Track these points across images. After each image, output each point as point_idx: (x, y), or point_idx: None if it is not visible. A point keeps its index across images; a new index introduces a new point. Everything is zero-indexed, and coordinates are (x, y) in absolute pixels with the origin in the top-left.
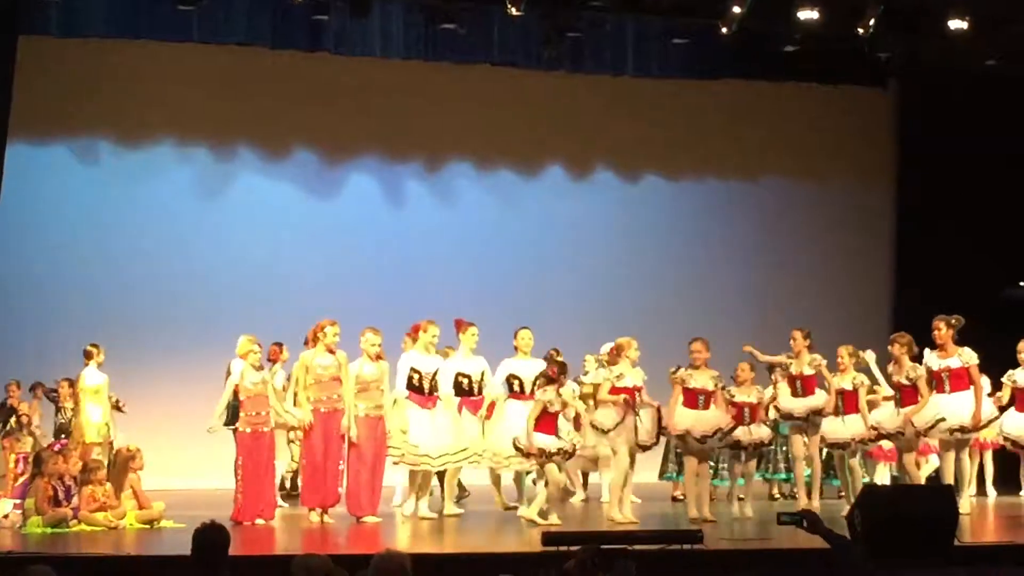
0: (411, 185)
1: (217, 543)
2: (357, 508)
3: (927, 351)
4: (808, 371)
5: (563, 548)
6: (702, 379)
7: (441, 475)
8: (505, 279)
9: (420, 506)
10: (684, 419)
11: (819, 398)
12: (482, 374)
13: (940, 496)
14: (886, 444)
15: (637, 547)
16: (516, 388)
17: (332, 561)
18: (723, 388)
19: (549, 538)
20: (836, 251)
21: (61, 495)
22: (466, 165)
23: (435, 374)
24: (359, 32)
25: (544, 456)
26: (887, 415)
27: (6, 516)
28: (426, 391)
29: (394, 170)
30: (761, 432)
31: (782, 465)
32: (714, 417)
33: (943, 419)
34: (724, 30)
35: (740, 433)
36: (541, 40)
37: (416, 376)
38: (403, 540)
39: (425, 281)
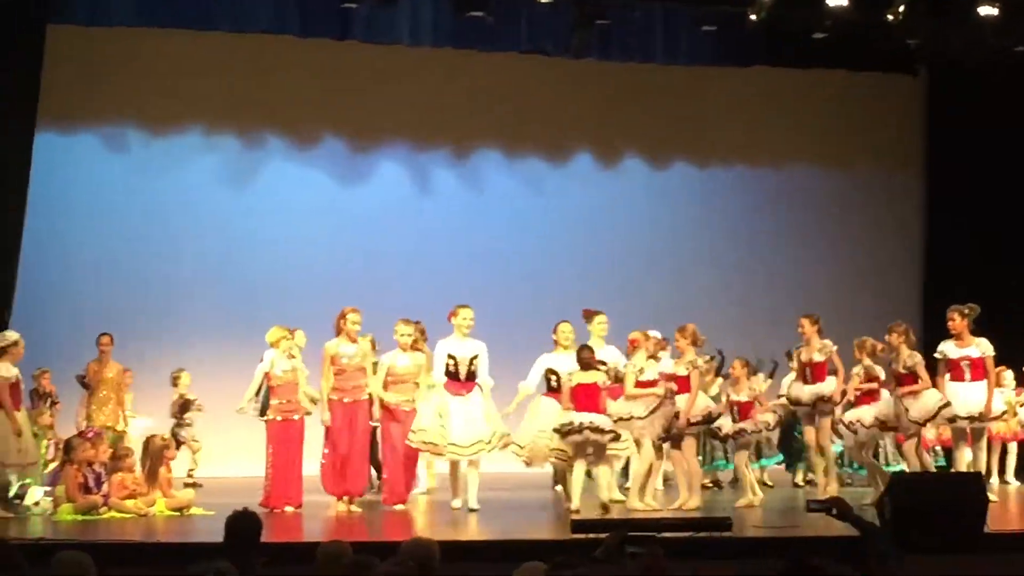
0: (439, 173)
1: (249, 530)
2: (393, 497)
3: (944, 341)
4: (818, 357)
5: (593, 535)
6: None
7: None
8: (533, 267)
9: (462, 499)
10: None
11: (828, 385)
12: (472, 359)
13: (970, 484)
14: (927, 432)
15: (666, 534)
16: (553, 384)
17: (361, 549)
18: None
19: (579, 525)
20: (864, 238)
21: (91, 482)
22: (494, 153)
23: (472, 359)
24: (388, 20)
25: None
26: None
27: (37, 503)
28: (462, 377)
29: (422, 158)
30: (750, 423)
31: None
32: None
33: (947, 406)
34: (753, 17)
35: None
36: (570, 28)
37: (452, 363)
38: (432, 528)
39: (453, 268)
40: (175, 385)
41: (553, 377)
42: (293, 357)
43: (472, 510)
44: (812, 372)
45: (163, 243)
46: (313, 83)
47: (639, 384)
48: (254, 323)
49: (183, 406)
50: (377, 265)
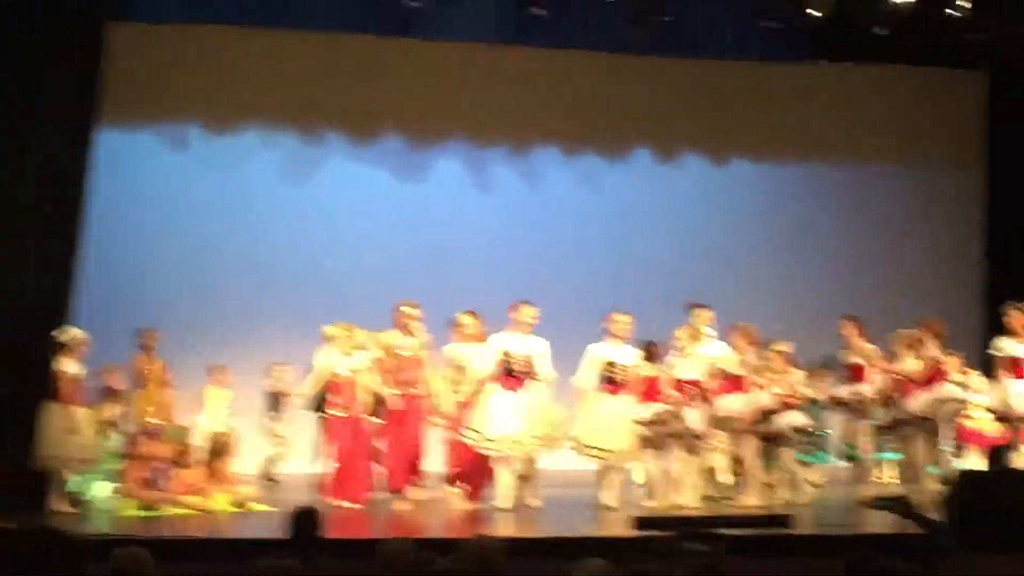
0: (498, 170)
1: (312, 525)
2: (470, 494)
3: (1001, 337)
4: (855, 360)
5: (655, 532)
6: None
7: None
8: (591, 263)
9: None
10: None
11: (867, 385)
12: (530, 357)
13: None
14: (987, 428)
15: (726, 531)
16: (610, 376)
17: (424, 546)
18: None
19: (642, 522)
20: (926, 235)
21: (154, 478)
22: (553, 149)
23: (530, 358)
24: (447, 17)
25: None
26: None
27: (100, 499)
28: (516, 374)
29: (481, 155)
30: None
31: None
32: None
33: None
34: (815, 13)
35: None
36: (630, 24)
37: (508, 358)
38: (497, 524)
39: (511, 265)
40: (269, 378)
41: (611, 369)
42: (350, 355)
43: (503, 509)
44: (851, 374)
45: (223, 240)
46: (372, 80)
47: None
48: (313, 319)
49: (276, 399)
50: (435, 262)
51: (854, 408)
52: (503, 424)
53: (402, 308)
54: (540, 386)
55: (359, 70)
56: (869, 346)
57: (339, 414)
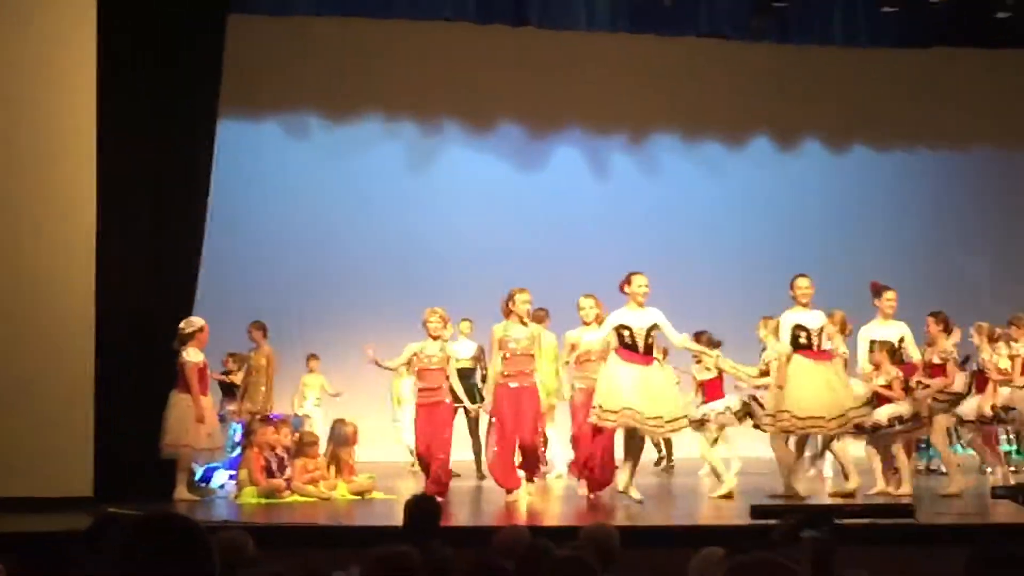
0: (616, 158)
1: (429, 514)
2: (593, 484)
3: None
4: (934, 359)
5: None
6: None
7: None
8: (710, 249)
9: (621, 478)
10: None
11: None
12: (650, 329)
13: None
14: None
15: (847, 520)
16: (804, 341)
17: (540, 534)
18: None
19: (758, 511)
20: None
21: (274, 466)
22: (671, 137)
23: (650, 330)
24: (564, 5)
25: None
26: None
27: (222, 486)
28: (641, 350)
29: (599, 143)
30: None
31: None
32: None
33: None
34: None
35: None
36: (748, 11)
37: (627, 332)
38: (612, 513)
39: (628, 252)
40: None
41: (803, 334)
42: (437, 339)
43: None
44: (931, 371)
45: (344, 229)
46: (490, 69)
47: None
48: (432, 306)
49: None
50: (553, 250)
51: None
52: (625, 397)
53: (516, 296)
54: (667, 367)
55: (477, 59)
56: (949, 346)
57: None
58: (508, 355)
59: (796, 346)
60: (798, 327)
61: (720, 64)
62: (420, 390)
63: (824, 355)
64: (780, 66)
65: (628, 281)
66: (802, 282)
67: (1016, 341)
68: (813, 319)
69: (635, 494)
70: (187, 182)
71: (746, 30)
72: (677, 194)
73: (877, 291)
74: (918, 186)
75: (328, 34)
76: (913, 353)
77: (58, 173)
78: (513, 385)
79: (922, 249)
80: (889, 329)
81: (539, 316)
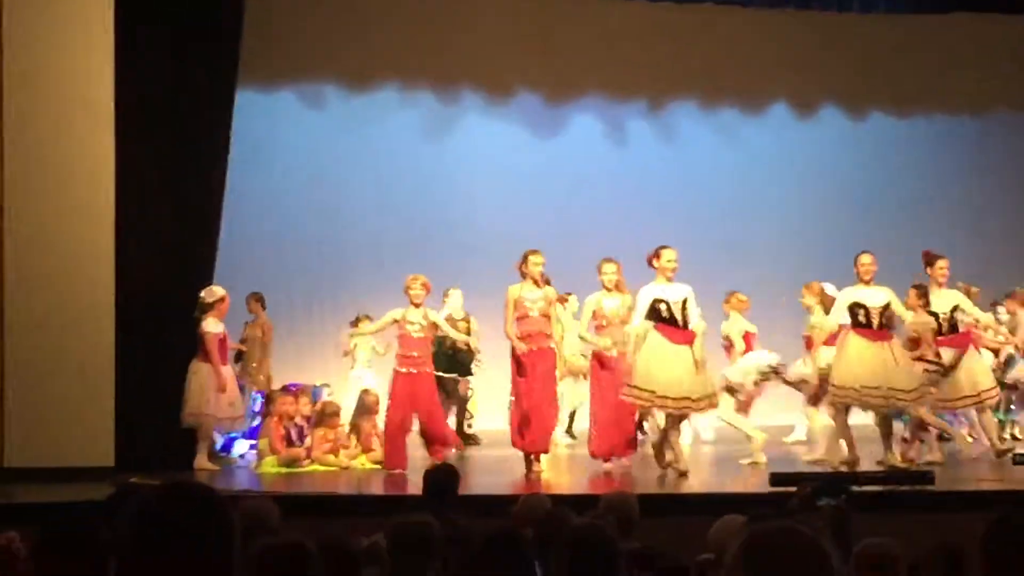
0: (634, 125)
1: (447, 483)
2: (604, 451)
3: None
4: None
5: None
6: None
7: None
8: (728, 217)
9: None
10: None
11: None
12: (684, 302)
13: None
14: None
15: (867, 487)
16: (862, 319)
17: (560, 502)
18: None
19: (777, 479)
20: None
21: (294, 436)
22: (689, 104)
23: (685, 303)
24: None
25: None
26: None
27: (242, 456)
28: (680, 322)
29: (617, 110)
30: None
31: None
32: None
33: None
34: None
35: None
36: None
37: (663, 307)
38: (631, 481)
39: (647, 219)
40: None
41: (861, 312)
42: (419, 306)
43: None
44: (910, 344)
45: (360, 197)
46: (507, 37)
47: None
48: (451, 275)
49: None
50: (570, 217)
51: None
52: (662, 376)
53: (529, 258)
54: (699, 341)
55: (494, 27)
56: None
57: (403, 370)
58: (522, 316)
59: (855, 324)
60: (856, 304)
61: (738, 31)
62: (402, 357)
63: (882, 334)
64: (798, 33)
65: (657, 255)
66: (865, 259)
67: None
68: (874, 296)
69: (681, 466)
70: (206, 152)
71: None
72: (695, 161)
73: (930, 260)
74: (937, 152)
75: (344, 3)
76: (971, 318)
77: (77, 147)
78: (534, 348)
79: (947, 215)
80: (940, 300)
81: (561, 299)
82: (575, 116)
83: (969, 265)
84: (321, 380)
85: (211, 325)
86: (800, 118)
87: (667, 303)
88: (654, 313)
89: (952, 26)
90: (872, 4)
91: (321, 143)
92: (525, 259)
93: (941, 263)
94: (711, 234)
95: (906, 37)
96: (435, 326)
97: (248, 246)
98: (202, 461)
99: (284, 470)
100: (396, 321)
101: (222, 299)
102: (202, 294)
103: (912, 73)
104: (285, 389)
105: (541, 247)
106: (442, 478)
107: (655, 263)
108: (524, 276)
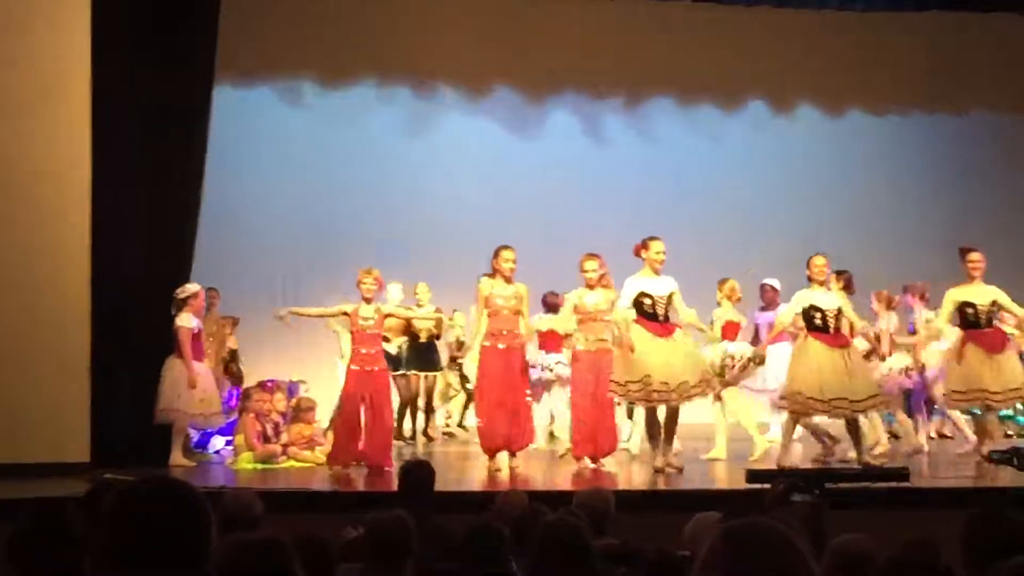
0: (612, 121)
1: (423, 479)
2: (587, 450)
3: None
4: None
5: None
6: None
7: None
8: (705, 213)
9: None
10: None
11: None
12: (669, 296)
13: None
14: None
15: (842, 484)
16: (819, 323)
17: (534, 498)
18: None
19: (753, 475)
20: None
21: (270, 432)
22: (667, 100)
23: (669, 298)
24: None
25: None
26: None
27: (218, 452)
28: (660, 318)
29: (595, 106)
30: None
31: None
32: None
33: None
34: None
35: None
36: None
37: (648, 301)
38: (606, 478)
39: (626, 216)
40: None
41: (818, 315)
42: (371, 300)
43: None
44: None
45: (339, 195)
46: (485, 34)
47: None
48: (427, 271)
49: (459, 347)
50: (549, 213)
51: None
52: (651, 360)
53: (501, 253)
54: (683, 333)
55: (473, 24)
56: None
57: (355, 367)
58: (493, 312)
59: (812, 328)
60: (813, 308)
61: (715, 28)
62: (358, 354)
63: (840, 339)
64: (776, 30)
65: (646, 246)
66: (819, 260)
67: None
68: (829, 300)
69: (675, 461)
70: (183, 149)
71: None
72: (673, 158)
73: (963, 253)
74: (913, 150)
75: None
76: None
77: (53, 142)
78: (500, 346)
79: (922, 212)
80: (976, 293)
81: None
82: (553, 113)
83: (946, 262)
84: (297, 376)
85: (184, 320)
86: (777, 115)
87: (652, 298)
88: (638, 307)
89: (929, 24)
90: (849, 2)
91: (299, 139)
92: (497, 254)
93: (974, 256)
94: (688, 230)
95: (883, 35)
96: (385, 317)
97: (226, 242)
98: (177, 457)
99: (260, 466)
100: (346, 314)
101: (195, 295)
102: (177, 290)
103: (889, 71)
104: (261, 385)
105: (520, 243)
106: (418, 474)
107: (644, 254)
108: (495, 272)
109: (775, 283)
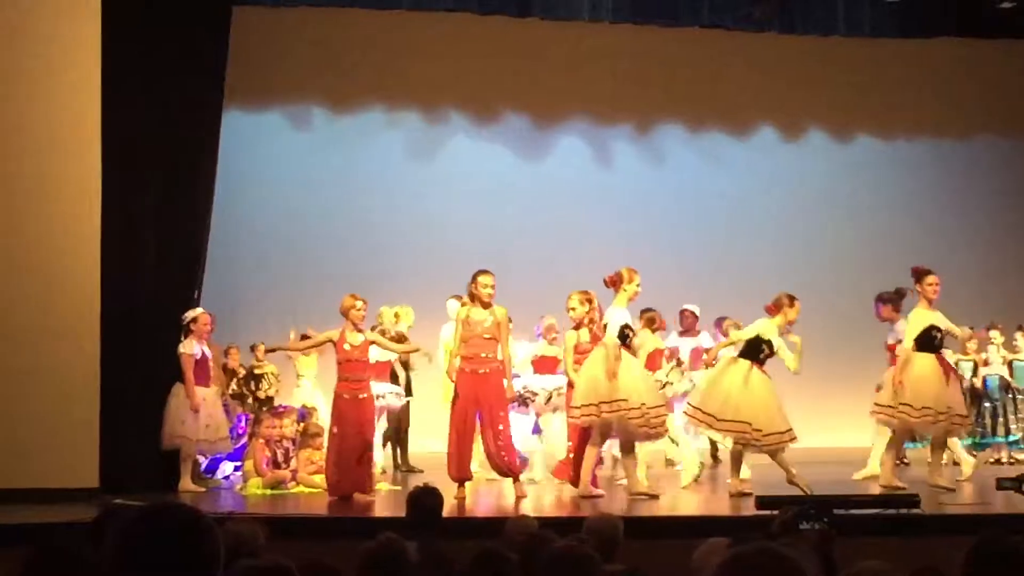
0: (621, 148)
1: (431, 505)
2: (568, 475)
3: None
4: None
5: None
6: None
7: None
8: (715, 239)
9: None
10: None
11: None
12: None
13: None
14: None
15: (852, 511)
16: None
17: (543, 524)
18: None
19: (763, 502)
20: None
21: (280, 457)
22: (676, 127)
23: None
24: None
25: None
26: None
27: (227, 477)
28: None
29: (604, 133)
30: None
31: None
32: None
33: None
34: None
35: None
36: (751, 1)
37: (629, 332)
38: (617, 504)
39: (634, 242)
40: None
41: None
42: (360, 330)
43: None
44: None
45: (348, 220)
46: (494, 59)
47: None
48: (435, 297)
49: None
50: (557, 240)
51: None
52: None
53: (479, 279)
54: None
55: (482, 50)
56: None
57: (345, 395)
58: (467, 337)
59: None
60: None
61: (723, 54)
62: (342, 382)
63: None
64: (783, 56)
65: (630, 279)
66: (931, 278)
67: None
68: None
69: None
70: (192, 174)
71: (749, 20)
72: (681, 184)
73: (919, 275)
74: (924, 176)
75: (330, 25)
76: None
77: (62, 165)
78: (481, 371)
79: (932, 237)
80: (934, 317)
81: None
82: (562, 138)
83: (955, 288)
84: (310, 403)
85: (186, 346)
86: (786, 141)
87: (632, 330)
88: (622, 339)
89: (937, 51)
90: (857, 28)
91: (307, 163)
92: (474, 279)
93: (930, 278)
94: (697, 256)
95: (891, 61)
96: (369, 344)
97: (234, 266)
98: (186, 483)
99: (269, 492)
100: (334, 342)
101: (194, 319)
102: (183, 316)
103: (897, 97)
104: (271, 411)
105: (527, 268)
106: (425, 500)
107: (626, 287)
108: (473, 298)
109: (695, 309)
